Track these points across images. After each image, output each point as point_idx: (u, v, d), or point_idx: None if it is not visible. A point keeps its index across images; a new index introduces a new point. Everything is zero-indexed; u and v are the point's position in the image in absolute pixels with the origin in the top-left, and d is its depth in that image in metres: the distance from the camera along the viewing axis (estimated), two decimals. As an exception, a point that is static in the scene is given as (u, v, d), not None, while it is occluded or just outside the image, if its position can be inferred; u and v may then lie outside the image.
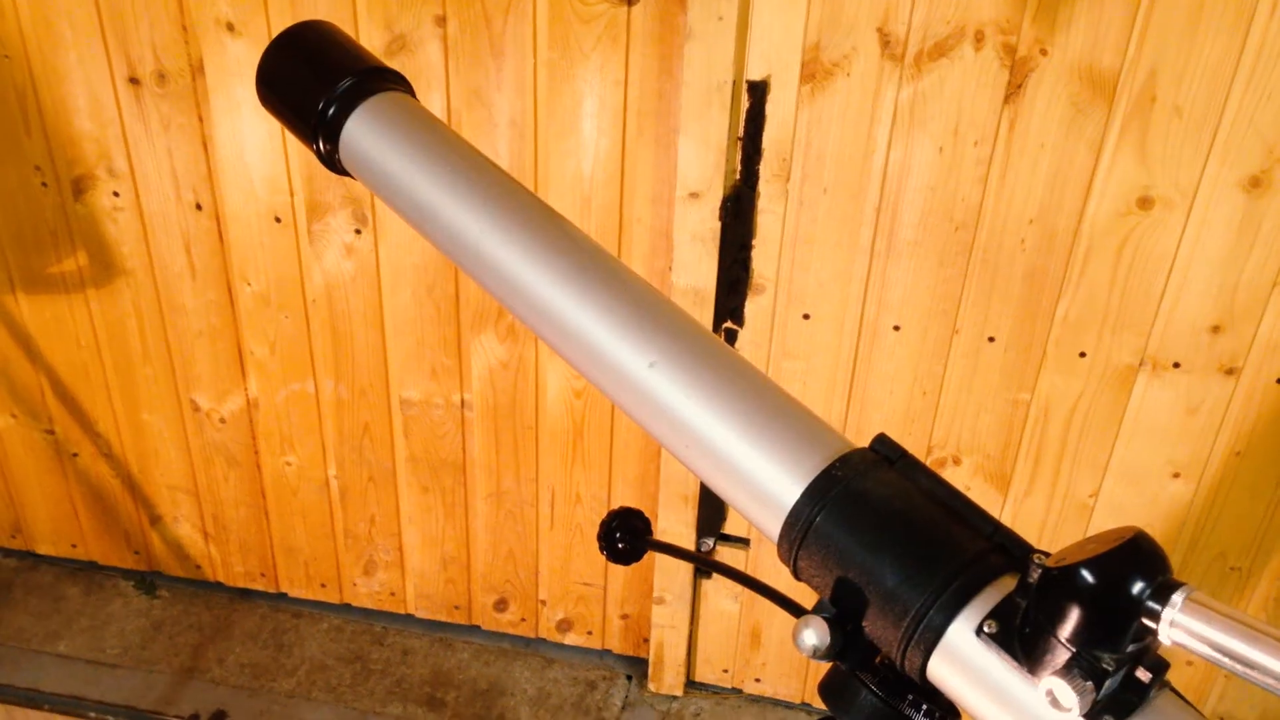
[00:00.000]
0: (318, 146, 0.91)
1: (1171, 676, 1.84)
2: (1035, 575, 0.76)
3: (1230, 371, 1.66)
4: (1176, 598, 0.69)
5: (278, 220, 1.90)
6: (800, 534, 0.85)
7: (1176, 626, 0.69)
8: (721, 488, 0.92)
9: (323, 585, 2.30)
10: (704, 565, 1.05)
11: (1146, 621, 0.71)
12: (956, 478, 1.87)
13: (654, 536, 1.09)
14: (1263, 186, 1.53)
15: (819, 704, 2.17)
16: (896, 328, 1.77)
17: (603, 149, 1.74)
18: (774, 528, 0.88)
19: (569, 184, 1.78)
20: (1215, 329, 1.64)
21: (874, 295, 1.75)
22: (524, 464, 2.07)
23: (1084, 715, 0.73)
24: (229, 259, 1.95)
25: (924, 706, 0.92)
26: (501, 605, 2.26)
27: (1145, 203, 1.58)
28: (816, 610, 0.87)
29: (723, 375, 0.92)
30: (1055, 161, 1.59)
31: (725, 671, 2.22)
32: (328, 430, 2.10)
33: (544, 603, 2.24)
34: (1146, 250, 1.62)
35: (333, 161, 0.93)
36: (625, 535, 1.04)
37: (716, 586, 2.11)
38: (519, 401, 2.00)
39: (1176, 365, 1.68)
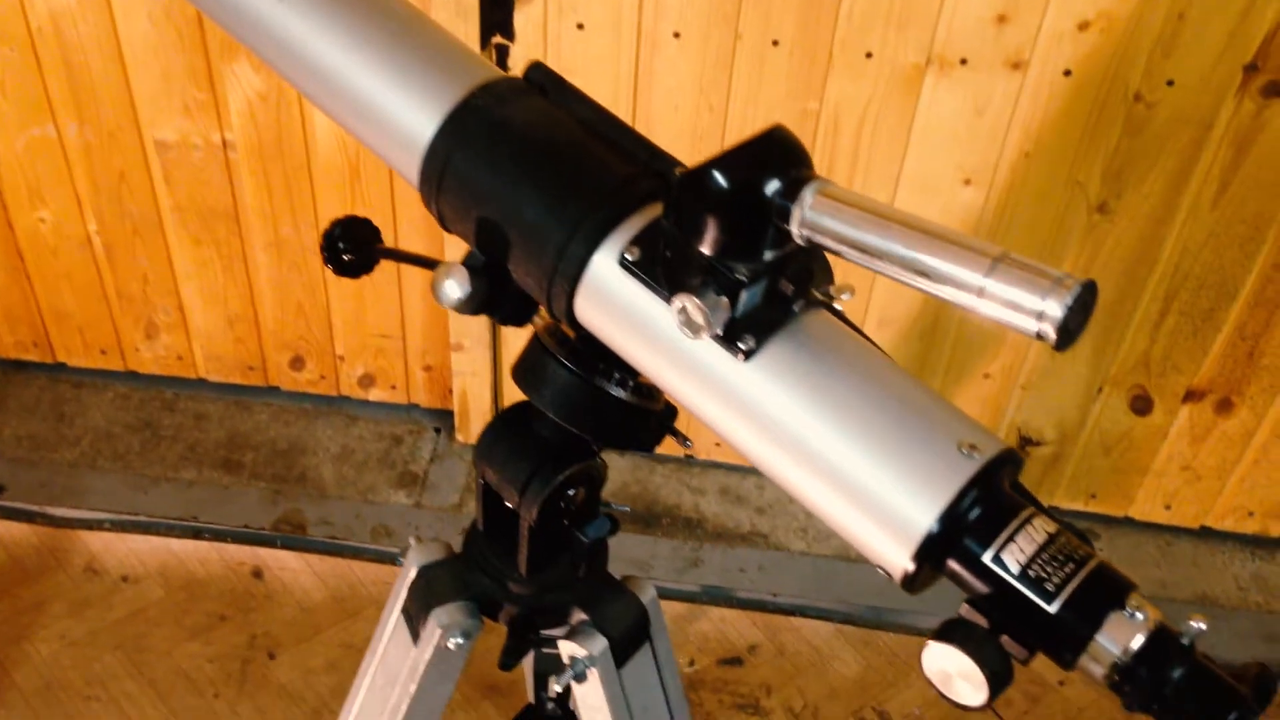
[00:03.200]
0: None
1: (971, 389, 1.81)
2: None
3: (1017, 66, 1.59)
4: (806, 193, 0.61)
5: (-20, -66, 1.67)
6: (438, 173, 0.75)
7: (808, 225, 0.62)
8: (364, 136, 0.81)
9: (103, 352, 2.16)
10: (420, 264, 0.94)
11: (782, 225, 0.63)
12: (749, 198, 1.79)
13: (385, 245, 0.98)
14: None
15: (631, 444, 2.14)
16: (676, 35, 1.65)
17: None
18: (415, 171, 0.78)
19: (309, -119, 1.58)
20: (1000, 19, 1.55)
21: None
22: (300, 209, 1.93)
23: (722, 336, 0.65)
24: (-67, -16, 1.72)
25: (616, 375, 0.85)
26: (298, 363, 2.15)
27: (925, -123, 1.47)
28: (464, 261, 0.78)
29: (356, 7, 0.80)
30: None
31: (534, 418, 2.16)
32: (80, 180, 1.92)
33: (342, 358, 2.14)
34: (929, -67, 1.51)
35: None
36: (350, 245, 0.93)
37: (518, 329, 2.03)
38: (286, 139, 1.85)
39: (963, 62, 1.60)
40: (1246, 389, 1.86)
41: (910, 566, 0.61)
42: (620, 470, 2.13)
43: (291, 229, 1.95)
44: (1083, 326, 0.54)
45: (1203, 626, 0.56)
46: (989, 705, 0.59)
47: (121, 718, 1.78)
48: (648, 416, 0.85)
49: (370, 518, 2.07)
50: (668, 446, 2.11)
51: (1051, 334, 0.53)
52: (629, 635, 0.95)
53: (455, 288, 0.73)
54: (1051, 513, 0.63)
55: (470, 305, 0.74)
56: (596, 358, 0.80)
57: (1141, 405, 1.91)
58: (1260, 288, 1.73)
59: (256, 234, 1.97)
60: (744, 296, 0.63)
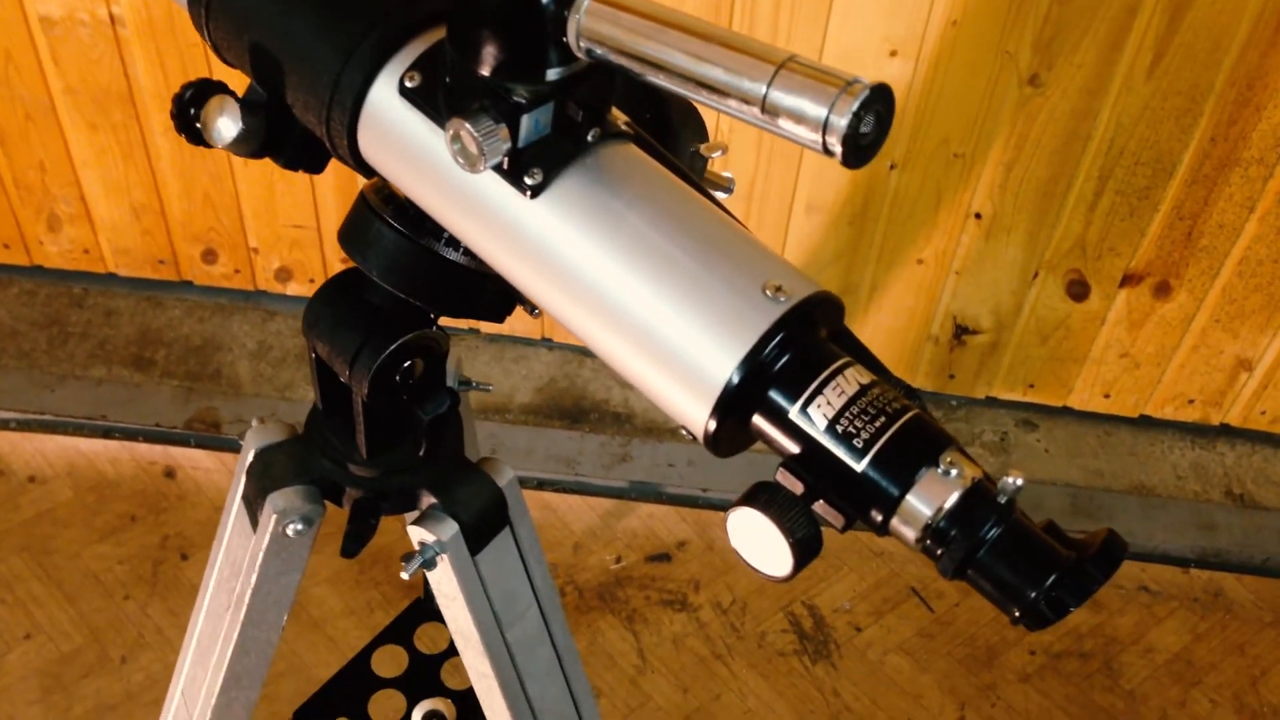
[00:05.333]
0: None
1: (904, 275, 1.72)
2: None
3: (942, -76, 1.49)
4: (581, -1, 0.53)
5: None
6: (204, -11, 0.66)
7: (586, 35, 0.54)
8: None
9: (5, 246, 2.07)
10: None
11: (561, 37, 0.55)
12: (668, 75, 1.70)
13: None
14: None
15: (560, 337, 2.08)
16: (583, -105, 1.54)
17: None
18: (184, -5, 0.69)
19: None
20: (924, -127, 1.46)
21: None
22: (200, 91, 1.82)
23: (506, 170, 0.58)
24: None
25: (446, 234, 0.77)
26: (210, 256, 2.07)
27: None
28: (244, 97, 0.70)
29: None
30: None
31: (458, 311, 2.09)
32: (-38, 61, 1.81)
33: (256, 251, 2.06)
34: None
35: None
36: (202, 109, 0.84)
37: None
38: (178, 14, 1.74)
39: (886, -79, 1.50)
40: (1185, 272, 1.80)
41: (711, 423, 0.55)
42: (547, 365, 2.06)
43: (192, 113, 1.85)
44: (877, 143, 0.47)
45: (1019, 482, 0.50)
46: (793, 575, 0.53)
47: (28, 621, 1.73)
48: (485, 281, 0.78)
49: (288, 415, 1.99)
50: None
51: (838, 148, 0.46)
52: (482, 519, 0.89)
53: (228, 125, 0.66)
54: (878, 363, 0.57)
55: (248, 146, 0.66)
56: (424, 215, 0.73)
57: (1078, 290, 1.85)
58: (1197, 164, 1.66)
59: (155, 118, 1.87)
60: (525, 122, 0.55)
